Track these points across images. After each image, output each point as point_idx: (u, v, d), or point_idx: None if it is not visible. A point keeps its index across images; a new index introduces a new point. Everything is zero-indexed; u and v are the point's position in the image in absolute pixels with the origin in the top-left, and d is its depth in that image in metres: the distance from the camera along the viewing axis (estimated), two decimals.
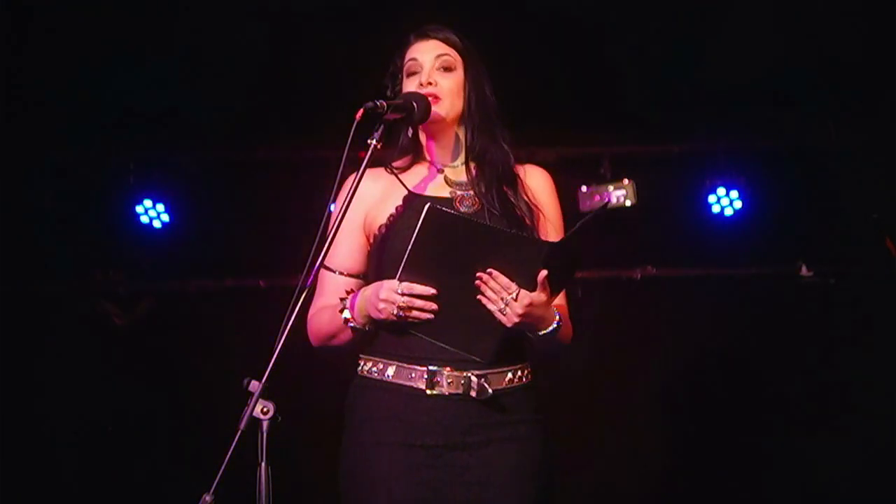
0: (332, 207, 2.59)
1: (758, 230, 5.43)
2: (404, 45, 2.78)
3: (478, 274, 2.42)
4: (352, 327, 2.61)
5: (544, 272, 2.42)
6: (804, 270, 5.47)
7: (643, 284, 5.54)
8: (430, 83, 2.68)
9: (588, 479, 5.33)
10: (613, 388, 5.51)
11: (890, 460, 5.07)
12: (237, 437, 2.15)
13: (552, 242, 2.56)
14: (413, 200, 2.67)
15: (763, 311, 5.47)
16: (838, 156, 5.39)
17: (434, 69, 2.70)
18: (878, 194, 5.27)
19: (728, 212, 5.41)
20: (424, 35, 2.76)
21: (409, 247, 2.43)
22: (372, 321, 2.57)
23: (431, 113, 2.66)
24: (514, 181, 2.76)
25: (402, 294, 2.46)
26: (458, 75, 2.73)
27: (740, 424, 5.42)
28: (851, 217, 5.39)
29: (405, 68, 2.74)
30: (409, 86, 2.71)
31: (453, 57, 2.73)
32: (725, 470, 5.40)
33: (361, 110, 2.45)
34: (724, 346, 5.45)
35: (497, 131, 2.77)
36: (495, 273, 2.42)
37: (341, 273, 2.69)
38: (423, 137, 2.78)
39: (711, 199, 5.40)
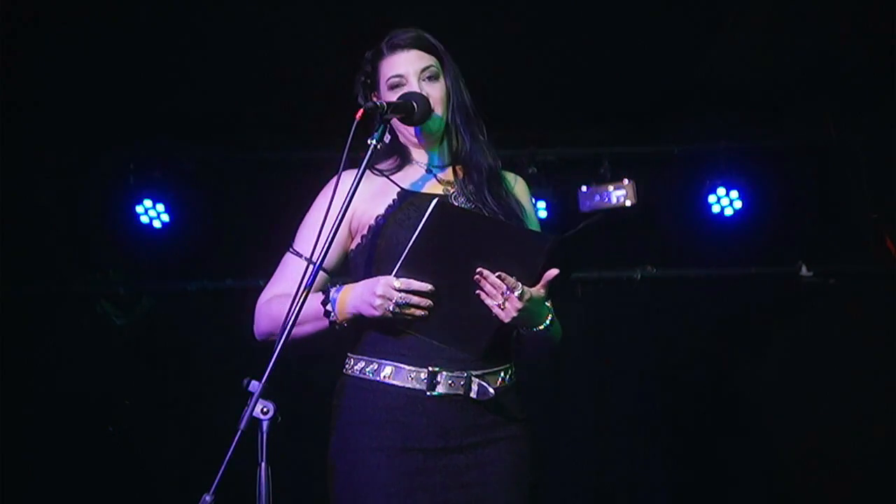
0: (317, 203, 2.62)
1: (758, 230, 5.43)
2: (377, 56, 2.72)
3: (478, 269, 2.39)
4: (332, 322, 2.54)
5: (555, 270, 2.39)
6: (804, 270, 5.47)
7: (643, 284, 5.54)
8: None
9: (586, 477, 5.32)
10: (613, 388, 5.51)
11: (890, 459, 5.07)
12: (237, 437, 2.14)
13: (558, 236, 2.51)
14: (409, 197, 2.65)
15: (763, 311, 5.47)
16: (838, 156, 5.39)
17: (421, 81, 2.68)
18: (878, 194, 5.28)
19: (728, 212, 5.41)
20: (400, 46, 2.70)
21: (412, 242, 2.40)
22: (353, 319, 2.53)
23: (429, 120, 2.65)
24: (500, 182, 2.75)
25: (399, 290, 2.44)
26: (443, 81, 2.72)
27: (740, 423, 5.42)
28: (851, 217, 5.39)
29: (388, 82, 2.69)
30: (394, 97, 2.66)
31: (436, 66, 2.71)
32: (724, 469, 5.40)
33: (361, 110, 2.44)
34: (724, 345, 5.45)
35: (477, 130, 2.75)
36: (500, 272, 2.38)
37: (310, 262, 2.46)
38: (410, 142, 2.76)
39: (711, 199, 5.41)
